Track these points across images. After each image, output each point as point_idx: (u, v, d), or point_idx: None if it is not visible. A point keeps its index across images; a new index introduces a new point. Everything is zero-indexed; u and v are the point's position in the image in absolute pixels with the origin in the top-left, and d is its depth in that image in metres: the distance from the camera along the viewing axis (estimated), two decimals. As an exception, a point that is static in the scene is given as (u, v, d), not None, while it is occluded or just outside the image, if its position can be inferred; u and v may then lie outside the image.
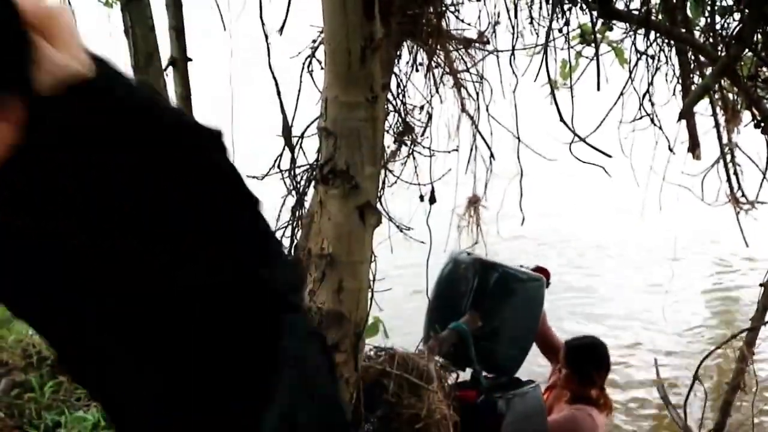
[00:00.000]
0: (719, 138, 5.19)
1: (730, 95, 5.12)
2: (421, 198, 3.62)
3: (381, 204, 2.95)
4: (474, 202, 4.31)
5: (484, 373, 3.66)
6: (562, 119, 3.18)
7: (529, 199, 4.26)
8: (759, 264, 9.15)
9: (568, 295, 8.86)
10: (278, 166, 3.21)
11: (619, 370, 6.70)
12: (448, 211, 4.13)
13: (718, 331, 7.79)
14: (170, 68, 3.19)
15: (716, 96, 5.01)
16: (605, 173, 3.45)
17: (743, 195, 5.30)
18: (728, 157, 5.34)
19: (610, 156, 3.32)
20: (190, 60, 3.10)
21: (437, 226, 3.62)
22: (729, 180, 5.26)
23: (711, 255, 9.85)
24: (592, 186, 12.38)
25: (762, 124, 3.30)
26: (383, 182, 3.23)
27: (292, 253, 3.14)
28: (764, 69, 4.07)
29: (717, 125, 5.17)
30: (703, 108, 4.73)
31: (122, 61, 2.91)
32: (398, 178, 3.48)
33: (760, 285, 3.00)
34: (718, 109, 5.20)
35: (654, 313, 8.06)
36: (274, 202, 3.23)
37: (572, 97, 3.32)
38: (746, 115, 5.32)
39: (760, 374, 2.92)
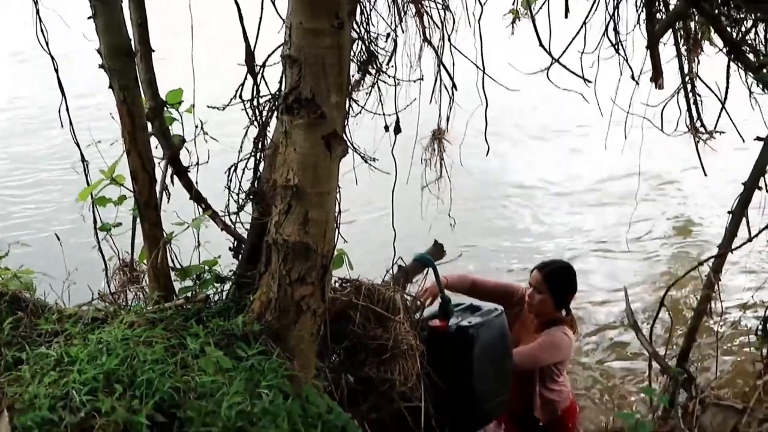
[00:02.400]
0: (681, 68, 5.20)
1: (692, 24, 5.11)
2: (386, 128, 3.57)
3: (346, 134, 2.89)
4: (438, 135, 4.28)
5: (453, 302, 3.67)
6: (541, 44, 3.15)
7: (493, 131, 4.24)
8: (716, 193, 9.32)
9: (534, 228, 8.92)
10: (240, 96, 3.12)
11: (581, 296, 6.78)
12: (412, 142, 4.09)
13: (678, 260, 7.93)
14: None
15: (678, 25, 4.99)
16: (583, 99, 3.42)
17: (702, 125, 5.33)
18: (689, 87, 5.35)
19: (589, 81, 3.30)
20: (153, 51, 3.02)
21: (402, 157, 3.57)
22: (689, 110, 5.28)
23: (672, 184, 9.94)
24: (555, 117, 12.44)
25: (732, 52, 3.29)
26: (347, 112, 3.16)
27: (256, 185, 3.08)
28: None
29: (679, 55, 5.17)
30: (664, 38, 4.72)
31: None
32: (362, 108, 3.42)
33: (729, 212, 3.01)
34: (680, 39, 5.19)
35: (617, 243, 8.17)
36: (236, 133, 3.15)
37: (549, 21, 3.27)
38: (706, 46, 5.33)
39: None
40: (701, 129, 5.25)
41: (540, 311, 4.40)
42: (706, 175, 4.90)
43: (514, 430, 4.51)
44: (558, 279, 4.40)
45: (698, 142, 5.16)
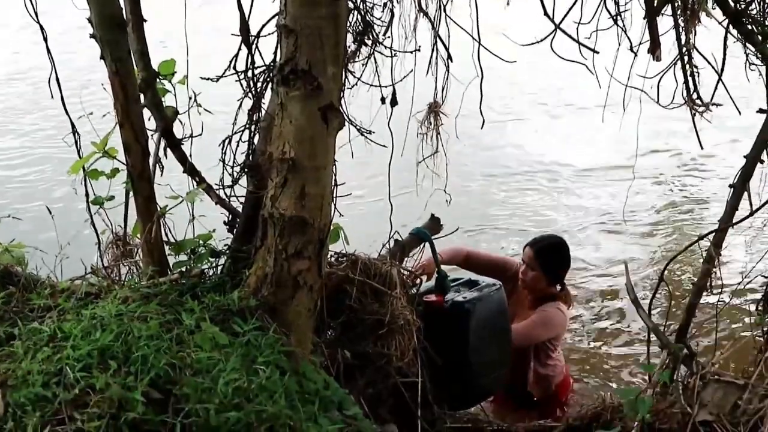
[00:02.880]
0: (678, 39, 5.13)
1: (690, -6, 5.04)
2: (383, 100, 3.52)
3: (342, 107, 2.84)
4: (434, 108, 4.23)
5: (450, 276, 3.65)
6: (546, 13, 3.10)
7: (488, 103, 4.19)
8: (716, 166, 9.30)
9: (528, 199, 8.91)
10: (234, 67, 3.06)
11: (580, 272, 6.79)
12: (409, 116, 4.04)
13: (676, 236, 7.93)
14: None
15: (677, -4, 4.92)
16: (587, 69, 3.37)
17: (699, 97, 5.28)
18: (686, 59, 5.29)
19: (597, 51, 3.25)
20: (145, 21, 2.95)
21: (398, 130, 3.53)
22: (686, 82, 5.22)
23: (669, 159, 9.93)
24: (552, 90, 12.39)
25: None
26: (343, 84, 3.11)
27: (251, 158, 3.03)
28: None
29: (677, 26, 5.10)
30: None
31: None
32: (359, 79, 3.37)
33: (730, 186, 2.98)
34: (677, 10, 5.12)
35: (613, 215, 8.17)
36: (230, 105, 3.10)
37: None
38: (703, 17, 5.27)
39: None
40: (698, 101, 5.20)
41: (533, 287, 4.39)
42: (702, 148, 4.86)
43: (508, 405, 4.52)
44: (550, 255, 4.39)
45: (695, 114, 5.11)
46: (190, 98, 3.20)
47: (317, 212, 2.64)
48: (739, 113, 4.16)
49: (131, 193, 3.05)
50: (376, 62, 3.51)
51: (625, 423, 2.86)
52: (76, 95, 3.63)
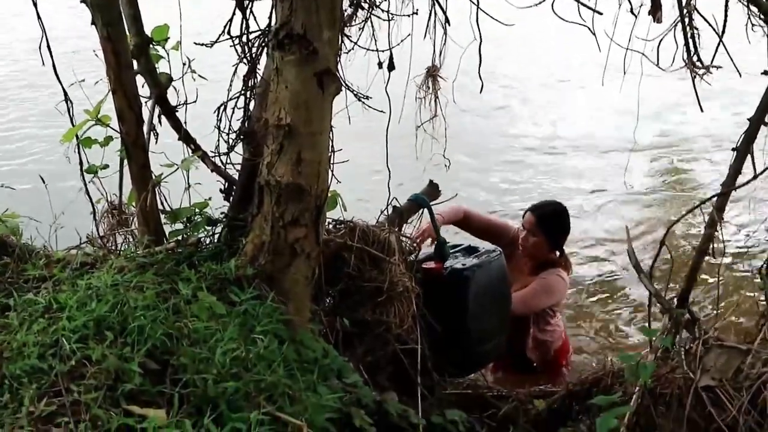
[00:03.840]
0: (678, 0, 5.06)
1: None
2: (380, 65, 3.47)
3: (338, 71, 2.79)
4: (432, 72, 4.17)
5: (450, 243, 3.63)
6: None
7: (487, 67, 4.13)
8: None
9: (530, 171, 8.87)
10: (228, 32, 3.00)
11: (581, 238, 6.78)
12: (407, 80, 3.99)
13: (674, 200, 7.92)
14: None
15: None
16: (590, 32, 3.31)
17: (699, 60, 5.22)
18: (686, 20, 5.22)
19: (600, 13, 3.20)
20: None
21: (396, 95, 3.47)
22: (686, 44, 5.16)
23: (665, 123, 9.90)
24: (552, 54, 12.30)
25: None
26: (340, 48, 3.06)
27: (246, 125, 2.99)
28: None
29: (677, -12, 5.03)
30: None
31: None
32: (355, 44, 3.31)
33: (733, 149, 2.94)
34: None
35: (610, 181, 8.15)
36: (224, 71, 3.05)
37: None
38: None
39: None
40: (698, 64, 5.15)
41: (534, 253, 4.37)
42: (702, 111, 4.81)
43: (507, 371, 4.52)
44: (551, 220, 4.37)
45: (695, 77, 5.05)
46: (185, 64, 3.15)
47: (314, 179, 2.61)
48: (740, 75, 4.11)
49: (126, 162, 3.02)
50: (372, 26, 3.45)
51: (625, 388, 2.85)
52: (68, 62, 3.56)
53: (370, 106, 3.28)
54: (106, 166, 3.23)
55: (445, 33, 3.97)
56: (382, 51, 3.47)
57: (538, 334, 4.43)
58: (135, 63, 2.94)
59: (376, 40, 3.45)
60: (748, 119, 2.96)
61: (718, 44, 4.76)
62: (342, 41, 3.12)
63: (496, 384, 4.24)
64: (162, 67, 3.16)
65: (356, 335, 3.12)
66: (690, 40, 5.26)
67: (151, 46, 3.09)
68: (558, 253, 4.45)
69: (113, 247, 3.18)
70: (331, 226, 3.24)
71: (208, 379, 2.09)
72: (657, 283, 2.94)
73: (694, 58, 5.26)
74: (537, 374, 4.44)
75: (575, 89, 11.25)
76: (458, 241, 3.87)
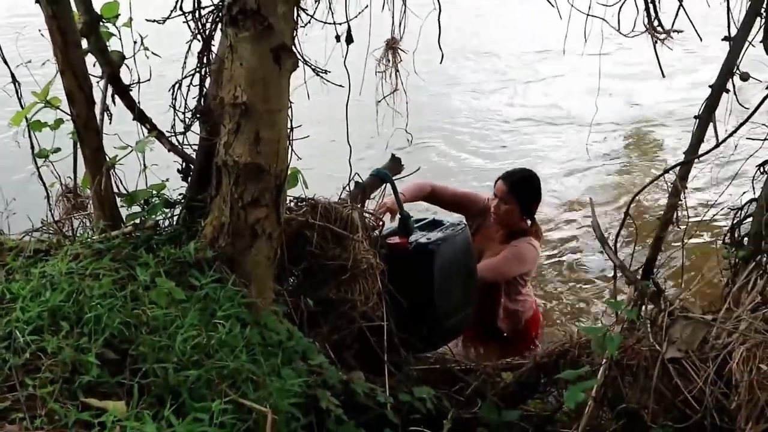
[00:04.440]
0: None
1: None
2: (338, 38, 3.39)
3: (295, 46, 2.71)
4: (392, 44, 4.11)
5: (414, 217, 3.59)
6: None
7: (447, 37, 4.09)
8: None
9: (496, 143, 8.86)
10: (180, 8, 2.92)
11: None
12: (366, 52, 3.92)
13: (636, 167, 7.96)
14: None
15: None
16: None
17: (660, 24, 5.20)
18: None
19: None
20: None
21: (355, 69, 3.41)
22: (647, 9, 5.14)
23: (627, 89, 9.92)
24: (510, 22, 12.26)
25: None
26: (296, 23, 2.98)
27: (202, 104, 2.91)
28: None
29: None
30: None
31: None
32: (312, 17, 3.23)
33: (695, 117, 2.93)
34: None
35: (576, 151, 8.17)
36: (177, 49, 2.96)
37: None
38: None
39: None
40: (659, 29, 5.14)
41: (506, 222, 4.36)
42: (664, 76, 4.81)
43: (477, 341, 4.52)
44: (524, 188, 4.37)
45: (656, 42, 5.05)
46: (136, 42, 3.05)
47: (273, 158, 2.55)
48: (701, 39, 4.09)
49: (78, 144, 2.93)
50: (329, -4, 3.37)
51: (592, 359, 2.85)
52: (13, 42, 3.44)
53: (329, 81, 3.22)
54: (57, 150, 3.14)
55: (405, 3, 3.91)
56: (340, 24, 3.40)
57: (509, 303, 4.43)
58: (84, 41, 2.84)
59: (333, 13, 3.37)
60: (709, 86, 2.95)
61: (678, 9, 4.74)
62: (298, 15, 3.04)
63: (466, 354, 4.26)
64: (113, 45, 3.06)
65: (321, 314, 3.08)
66: (650, 5, 5.24)
67: (100, 23, 2.99)
68: (529, 222, 4.45)
69: (70, 232, 3.09)
70: (292, 204, 3.19)
71: (168, 367, 2.04)
72: (621, 254, 2.94)
73: (655, 23, 5.25)
74: (507, 344, 4.45)
75: (542, 61, 11.23)
76: (422, 216, 3.84)
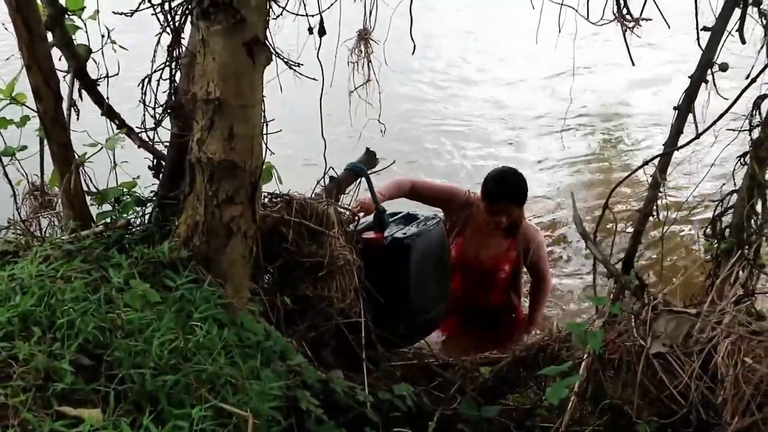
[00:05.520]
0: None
1: None
2: (310, 30, 3.34)
3: (267, 40, 2.65)
4: (364, 35, 4.06)
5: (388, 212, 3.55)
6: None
7: (418, 28, 4.04)
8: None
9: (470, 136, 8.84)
10: (149, 0, 2.84)
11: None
12: (338, 45, 3.86)
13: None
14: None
15: None
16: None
17: (629, 12, 5.20)
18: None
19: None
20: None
21: (329, 61, 3.35)
22: (616, -3, 5.13)
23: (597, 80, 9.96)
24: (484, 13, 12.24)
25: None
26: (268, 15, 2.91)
27: (173, 99, 2.84)
28: None
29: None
30: None
31: None
32: (284, 9, 3.17)
33: (674, 108, 2.91)
34: None
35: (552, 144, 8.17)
36: (147, 43, 2.88)
37: None
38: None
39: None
40: (628, 17, 5.13)
41: (505, 217, 4.37)
42: (633, 64, 4.81)
43: (464, 331, 4.53)
44: (521, 188, 4.35)
45: (626, 30, 5.04)
46: (104, 35, 2.97)
47: (247, 154, 2.49)
48: (668, 27, 4.08)
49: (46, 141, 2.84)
50: (301, -12, 3.31)
51: (572, 354, 2.84)
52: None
53: (302, 74, 3.16)
54: (24, 147, 3.05)
55: (376, -6, 3.86)
56: (312, 16, 3.34)
57: (513, 298, 4.53)
58: (50, 35, 2.76)
59: (305, 5, 3.31)
60: (688, 77, 2.94)
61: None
62: (270, 7, 2.98)
63: (451, 345, 4.27)
64: (79, 38, 2.98)
65: (298, 312, 3.03)
66: (619, -6, 5.23)
67: (66, 16, 2.90)
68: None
69: (38, 231, 3.01)
70: (266, 200, 3.13)
71: (145, 373, 1.98)
72: (601, 246, 2.92)
73: (624, 11, 5.24)
74: (497, 332, 4.50)
75: (519, 54, 11.22)
76: (397, 209, 3.80)
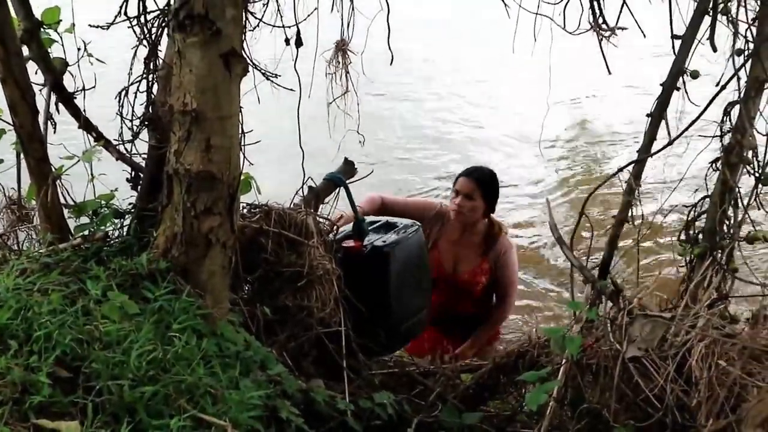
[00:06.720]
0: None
1: None
2: (287, 41, 3.35)
3: (244, 51, 2.67)
4: (341, 46, 4.08)
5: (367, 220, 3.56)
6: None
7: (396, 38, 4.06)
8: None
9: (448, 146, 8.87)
10: (125, 13, 2.85)
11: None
12: (316, 55, 3.88)
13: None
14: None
15: None
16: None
17: (604, 21, 5.24)
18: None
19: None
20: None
21: (306, 72, 3.36)
22: (591, 7, 5.17)
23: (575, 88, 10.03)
24: (460, 24, 12.28)
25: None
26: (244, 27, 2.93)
27: (150, 111, 2.84)
28: None
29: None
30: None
31: None
32: (260, 20, 3.19)
33: (647, 115, 2.94)
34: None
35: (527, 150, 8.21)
36: (123, 55, 2.89)
37: None
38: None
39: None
40: (604, 26, 5.18)
41: (471, 219, 4.38)
42: (610, 73, 4.85)
43: (444, 341, 4.54)
44: (489, 183, 4.39)
45: (602, 39, 5.09)
46: (80, 49, 2.98)
47: (225, 165, 2.50)
48: (644, 36, 4.13)
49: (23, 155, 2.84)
50: (278, 1, 3.32)
51: (551, 359, 2.85)
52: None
53: (279, 85, 3.18)
54: (0, 161, 3.04)
55: (352, 4, 3.87)
56: (289, 27, 3.36)
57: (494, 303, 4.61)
58: (26, 49, 2.76)
59: (281, 16, 3.33)
60: (660, 84, 2.97)
61: (622, 6, 4.78)
62: (246, 19, 2.99)
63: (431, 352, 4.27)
64: (55, 51, 2.98)
65: (278, 322, 3.03)
66: (595, 3, 5.28)
67: (42, 29, 2.90)
68: (487, 219, 4.49)
69: (14, 246, 3.00)
70: (245, 210, 3.14)
71: (123, 384, 1.98)
72: (577, 252, 2.95)
73: (600, 20, 5.29)
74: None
75: (497, 64, 11.27)
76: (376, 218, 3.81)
